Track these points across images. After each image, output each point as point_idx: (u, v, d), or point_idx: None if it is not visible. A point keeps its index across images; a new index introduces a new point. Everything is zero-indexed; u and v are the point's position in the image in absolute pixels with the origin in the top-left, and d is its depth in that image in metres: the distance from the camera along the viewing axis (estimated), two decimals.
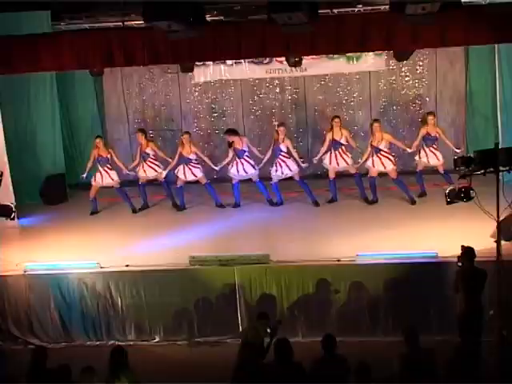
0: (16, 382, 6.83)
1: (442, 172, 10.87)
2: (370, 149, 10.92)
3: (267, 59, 12.48)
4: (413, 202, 10.82)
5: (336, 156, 11.06)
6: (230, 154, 11.23)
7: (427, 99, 12.69)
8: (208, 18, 9.37)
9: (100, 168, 11.37)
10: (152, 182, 11.77)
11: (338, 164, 11.06)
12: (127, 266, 8.83)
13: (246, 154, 11.15)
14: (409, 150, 11.00)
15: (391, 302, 8.39)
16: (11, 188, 10.71)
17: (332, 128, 11.05)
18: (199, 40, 8.41)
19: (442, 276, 8.15)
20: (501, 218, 6.75)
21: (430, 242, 8.76)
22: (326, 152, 11.14)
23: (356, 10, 10.32)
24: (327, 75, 12.85)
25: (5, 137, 10.95)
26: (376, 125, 10.89)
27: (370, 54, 12.13)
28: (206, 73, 12.96)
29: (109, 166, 11.37)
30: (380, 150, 10.80)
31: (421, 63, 12.61)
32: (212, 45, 8.65)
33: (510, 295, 6.98)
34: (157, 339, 8.86)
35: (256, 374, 6.07)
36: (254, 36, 8.59)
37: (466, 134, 12.49)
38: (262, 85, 13.10)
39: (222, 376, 6.45)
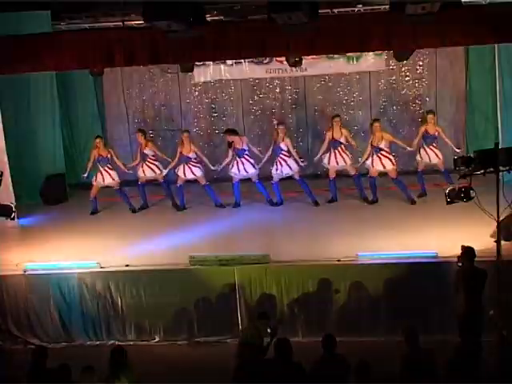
0: (16, 382, 6.83)
1: (443, 170, 10.87)
2: (369, 148, 10.93)
3: (267, 59, 12.49)
4: (412, 202, 10.82)
5: (335, 155, 11.06)
6: (230, 153, 11.23)
7: (427, 99, 12.70)
8: (208, 17, 9.36)
9: (100, 168, 11.37)
10: (152, 182, 11.78)
11: (337, 163, 11.06)
12: (127, 266, 8.83)
13: (246, 153, 11.15)
14: (409, 149, 11.01)
15: (391, 302, 8.39)
16: (11, 188, 10.71)
17: (332, 127, 11.06)
18: (199, 40, 8.40)
19: (442, 276, 8.14)
20: (501, 218, 6.76)
21: (430, 242, 8.76)
22: (325, 151, 11.15)
23: (356, 9, 10.33)
24: (327, 75, 12.86)
25: (5, 137, 10.95)
26: (376, 124, 10.89)
27: (370, 53, 12.14)
28: (206, 73, 12.97)
29: (109, 165, 11.38)
30: (380, 149, 10.80)
31: (421, 63, 12.62)
32: (212, 45, 8.63)
33: (510, 295, 6.99)
34: (157, 339, 8.86)
35: (256, 373, 6.08)
36: (254, 36, 8.58)
37: (465, 134, 12.49)
38: (262, 85, 13.10)
39: (222, 376, 6.45)
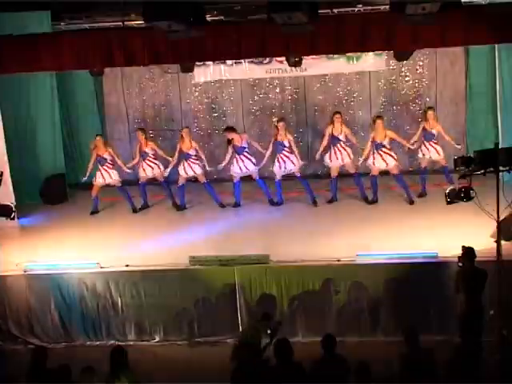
0: (16, 382, 6.84)
1: (445, 165, 10.84)
2: (369, 146, 10.85)
3: (267, 59, 12.47)
4: (411, 202, 10.80)
5: (336, 152, 11.04)
6: (230, 151, 11.23)
7: (427, 99, 12.68)
8: (208, 18, 9.37)
9: (100, 167, 11.37)
10: (152, 182, 11.78)
11: (337, 159, 11.01)
12: (127, 265, 8.83)
13: (246, 150, 11.15)
14: (411, 146, 11.02)
15: (391, 302, 8.39)
16: (11, 188, 10.71)
17: (332, 123, 11.03)
18: (199, 40, 8.41)
19: (442, 276, 8.15)
20: (501, 218, 6.76)
21: (430, 241, 8.76)
22: (326, 148, 11.14)
23: (356, 9, 10.31)
24: (327, 75, 12.84)
25: (5, 137, 10.95)
26: (379, 121, 10.80)
27: (370, 53, 12.12)
28: (206, 73, 12.95)
29: (109, 164, 11.38)
30: (382, 146, 10.74)
31: (421, 63, 12.60)
32: (212, 45, 8.64)
33: (510, 295, 6.98)
34: (157, 339, 8.86)
35: (256, 373, 6.07)
36: (254, 36, 8.58)
37: (466, 134, 12.49)
38: (262, 85, 13.09)
39: (222, 376, 6.44)
